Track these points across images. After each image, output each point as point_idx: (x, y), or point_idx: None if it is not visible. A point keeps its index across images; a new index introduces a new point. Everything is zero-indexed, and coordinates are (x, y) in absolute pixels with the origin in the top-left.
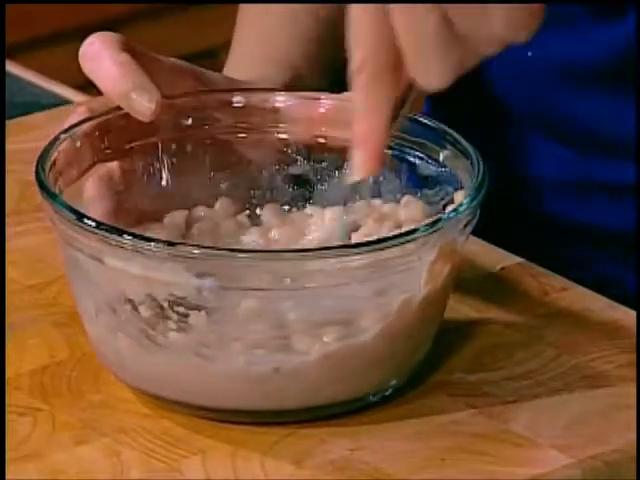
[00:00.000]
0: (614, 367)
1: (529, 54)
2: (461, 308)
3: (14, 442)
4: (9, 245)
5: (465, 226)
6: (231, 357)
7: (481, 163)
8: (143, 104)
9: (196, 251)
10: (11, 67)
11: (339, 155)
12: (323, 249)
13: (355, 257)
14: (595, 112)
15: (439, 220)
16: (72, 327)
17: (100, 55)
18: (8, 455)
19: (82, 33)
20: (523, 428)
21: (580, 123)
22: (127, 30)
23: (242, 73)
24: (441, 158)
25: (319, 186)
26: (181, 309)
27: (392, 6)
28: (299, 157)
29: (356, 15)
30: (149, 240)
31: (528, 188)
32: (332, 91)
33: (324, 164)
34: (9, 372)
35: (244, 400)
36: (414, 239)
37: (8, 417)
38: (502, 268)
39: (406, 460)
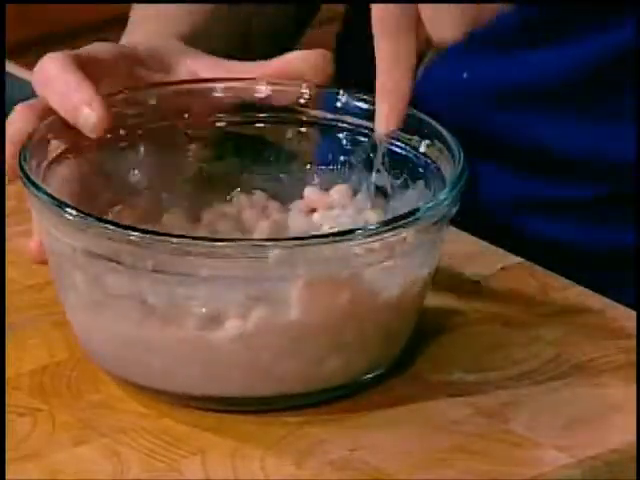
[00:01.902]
0: (614, 367)
1: (464, 76)
2: (460, 307)
3: (14, 442)
4: (9, 245)
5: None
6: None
7: (462, 155)
8: (90, 120)
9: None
10: (11, 67)
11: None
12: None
13: (229, 259)
14: (529, 132)
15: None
16: (72, 327)
17: (51, 76)
18: (8, 455)
19: (82, 33)
20: (523, 428)
21: (518, 142)
22: None
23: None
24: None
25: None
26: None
27: None
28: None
29: None
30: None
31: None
32: None
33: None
34: (9, 372)
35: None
36: (287, 247)
37: (8, 417)
38: (502, 268)
39: (406, 460)
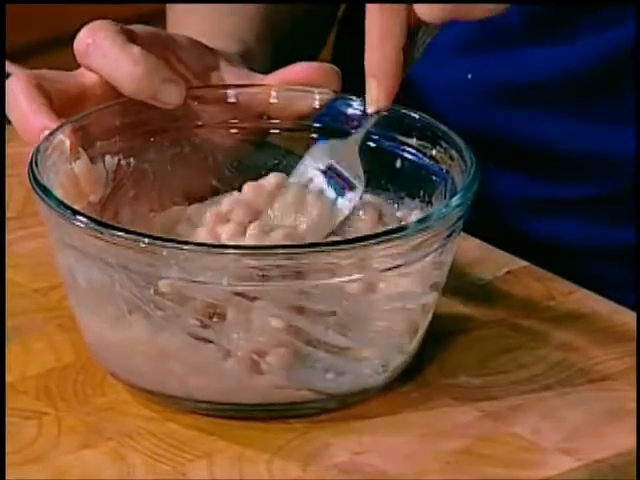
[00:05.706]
0: (620, 370)
1: (469, 77)
2: (466, 311)
3: (19, 446)
4: (14, 248)
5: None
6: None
7: (474, 161)
8: (172, 97)
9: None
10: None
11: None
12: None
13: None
14: (530, 131)
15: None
16: (77, 331)
17: (109, 52)
18: (13, 458)
19: None
20: (529, 431)
21: (520, 142)
22: None
23: None
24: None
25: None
26: None
27: None
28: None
29: None
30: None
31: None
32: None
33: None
34: (15, 376)
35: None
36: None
37: (14, 421)
38: (508, 271)
39: (411, 463)
